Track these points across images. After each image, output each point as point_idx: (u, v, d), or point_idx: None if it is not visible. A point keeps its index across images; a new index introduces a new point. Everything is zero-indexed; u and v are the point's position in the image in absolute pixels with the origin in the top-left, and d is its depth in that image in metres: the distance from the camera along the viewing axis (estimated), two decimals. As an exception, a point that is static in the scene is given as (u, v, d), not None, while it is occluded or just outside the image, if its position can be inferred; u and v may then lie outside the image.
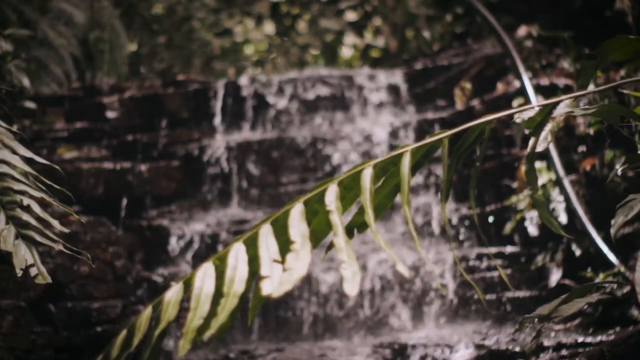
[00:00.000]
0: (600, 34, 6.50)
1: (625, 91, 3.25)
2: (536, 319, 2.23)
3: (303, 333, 6.16)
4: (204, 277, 1.81)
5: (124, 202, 6.80)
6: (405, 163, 1.78)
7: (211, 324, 1.75)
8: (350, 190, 1.85)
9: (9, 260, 5.28)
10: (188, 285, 1.83)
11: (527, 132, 1.87)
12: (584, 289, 2.32)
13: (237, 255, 1.80)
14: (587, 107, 1.92)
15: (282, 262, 1.74)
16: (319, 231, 1.93)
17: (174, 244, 6.59)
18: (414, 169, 1.84)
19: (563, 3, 7.26)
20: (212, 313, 1.77)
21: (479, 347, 5.42)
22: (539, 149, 1.88)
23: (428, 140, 1.81)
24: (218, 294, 1.79)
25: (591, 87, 6.19)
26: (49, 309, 5.67)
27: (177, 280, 1.98)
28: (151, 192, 6.96)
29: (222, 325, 1.77)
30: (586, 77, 2.14)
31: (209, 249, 6.54)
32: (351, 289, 1.67)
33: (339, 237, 1.74)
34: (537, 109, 1.85)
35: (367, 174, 1.78)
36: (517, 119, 1.99)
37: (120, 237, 6.34)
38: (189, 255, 6.55)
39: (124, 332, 1.84)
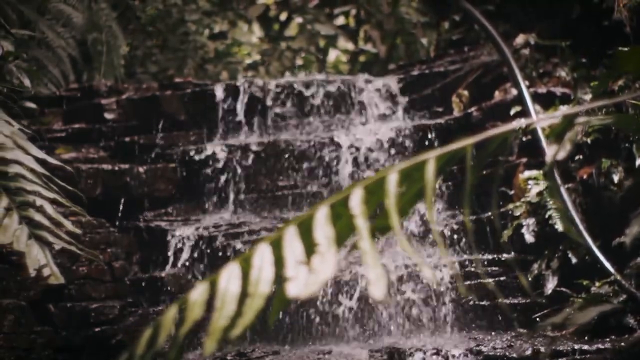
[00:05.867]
0: (598, 43, 6.57)
1: (632, 101, 3.29)
2: (549, 327, 2.26)
3: (299, 336, 6.17)
4: (230, 278, 1.82)
5: (122, 203, 6.80)
6: (430, 169, 1.80)
7: (237, 324, 1.77)
8: (373, 194, 1.87)
9: (9, 260, 5.30)
10: (213, 286, 1.84)
11: (550, 140, 1.90)
12: (594, 297, 2.35)
13: (263, 256, 1.82)
14: (604, 116, 1.96)
15: (307, 264, 1.77)
16: (342, 235, 1.94)
17: (171, 246, 6.59)
18: (436, 175, 1.87)
19: (561, 12, 7.30)
20: (237, 313, 1.79)
21: (475, 353, 5.45)
22: (559, 157, 1.92)
23: (452, 147, 1.84)
24: (243, 295, 1.80)
25: (587, 97, 6.24)
26: (49, 308, 5.68)
27: (199, 281, 2.00)
28: (149, 194, 6.95)
29: (246, 325, 1.79)
30: (600, 86, 2.17)
31: (206, 251, 6.55)
32: (377, 292, 1.70)
33: (364, 240, 1.76)
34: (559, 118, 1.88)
35: (393, 179, 1.81)
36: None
37: (118, 238, 6.35)
38: (186, 257, 6.55)
39: (148, 331, 1.86)
